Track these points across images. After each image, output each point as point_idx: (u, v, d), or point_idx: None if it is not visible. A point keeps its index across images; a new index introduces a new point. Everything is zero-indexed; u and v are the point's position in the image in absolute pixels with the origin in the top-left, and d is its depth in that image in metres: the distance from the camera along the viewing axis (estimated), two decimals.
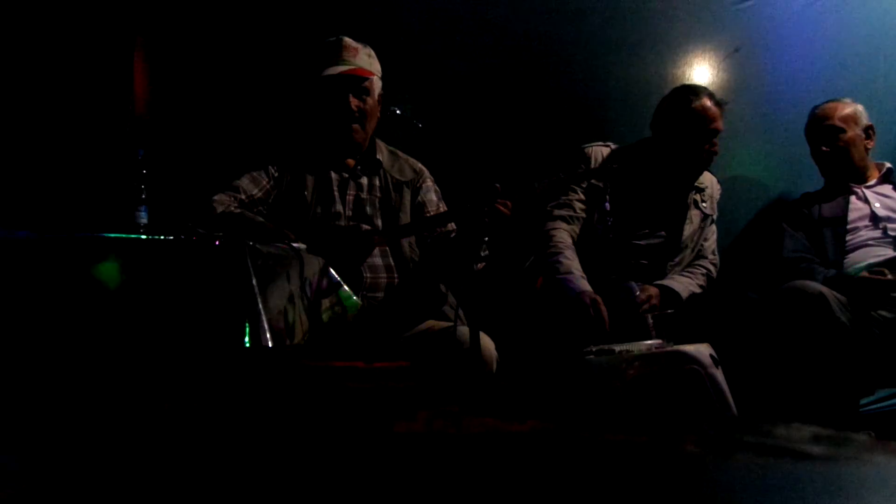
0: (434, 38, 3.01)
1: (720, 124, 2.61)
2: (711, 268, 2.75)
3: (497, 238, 2.37)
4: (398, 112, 2.29)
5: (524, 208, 2.28)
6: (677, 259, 2.69)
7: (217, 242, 1.74)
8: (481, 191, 2.13)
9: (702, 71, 3.24)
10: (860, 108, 2.78)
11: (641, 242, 2.67)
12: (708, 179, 2.79)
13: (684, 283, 2.64)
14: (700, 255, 2.76)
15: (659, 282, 2.60)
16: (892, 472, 0.59)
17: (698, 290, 2.65)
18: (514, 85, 3.05)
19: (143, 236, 1.93)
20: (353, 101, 2.31)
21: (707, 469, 0.60)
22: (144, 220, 2.02)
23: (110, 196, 2.24)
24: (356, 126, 2.33)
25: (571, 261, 2.54)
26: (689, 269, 2.72)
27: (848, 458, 0.61)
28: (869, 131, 2.76)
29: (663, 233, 2.70)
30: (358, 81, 2.32)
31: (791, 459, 0.60)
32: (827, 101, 2.82)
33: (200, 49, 2.80)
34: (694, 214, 2.73)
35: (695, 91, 2.66)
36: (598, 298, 2.42)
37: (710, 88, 3.04)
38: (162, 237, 1.82)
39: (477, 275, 2.29)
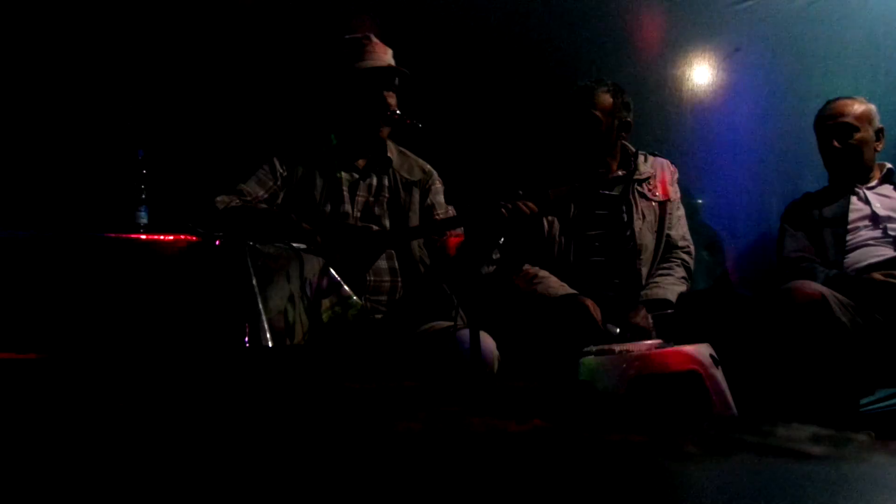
0: (433, 42, 3.01)
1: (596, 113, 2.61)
2: (685, 256, 2.68)
3: (512, 240, 2.35)
4: (398, 113, 2.29)
5: (538, 215, 2.26)
6: (643, 257, 2.61)
7: (217, 242, 1.74)
8: (500, 190, 2.13)
9: (702, 71, 3.24)
10: (874, 108, 2.74)
11: (596, 244, 2.60)
12: (651, 166, 2.71)
13: (667, 286, 2.56)
14: (670, 245, 2.67)
15: (644, 296, 2.54)
16: (893, 472, 0.59)
17: (684, 287, 2.60)
18: (513, 85, 3.05)
19: (143, 236, 1.93)
20: (388, 97, 2.30)
21: (707, 469, 0.60)
22: (144, 220, 2.02)
23: (110, 196, 2.24)
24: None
25: (548, 277, 2.54)
26: (665, 266, 2.63)
27: (848, 458, 0.61)
28: (879, 134, 2.74)
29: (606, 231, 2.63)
30: (393, 78, 2.32)
31: (791, 459, 0.60)
32: (840, 98, 2.76)
33: (201, 48, 2.80)
34: (644, 207, 2.65)
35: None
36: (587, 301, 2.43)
37: (711, 88, 3.05)
38: (162, 237, 1.82)
39: (485, 279, 2.29)
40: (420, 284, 2.32)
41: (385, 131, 2.34)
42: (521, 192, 2.15)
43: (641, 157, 2.72)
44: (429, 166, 2.49)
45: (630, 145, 2.75)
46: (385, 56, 2.33)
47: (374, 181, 2.37)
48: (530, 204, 2.13)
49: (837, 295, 2.33)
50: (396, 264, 2.30)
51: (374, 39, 2.35)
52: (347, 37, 2.37)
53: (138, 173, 2.06)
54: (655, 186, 2.69)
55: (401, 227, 2.35)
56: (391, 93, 2.32)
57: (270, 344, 1.67)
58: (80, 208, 2.52)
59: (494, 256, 2.28)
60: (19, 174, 2.58)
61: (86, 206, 2.50)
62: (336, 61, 2.35)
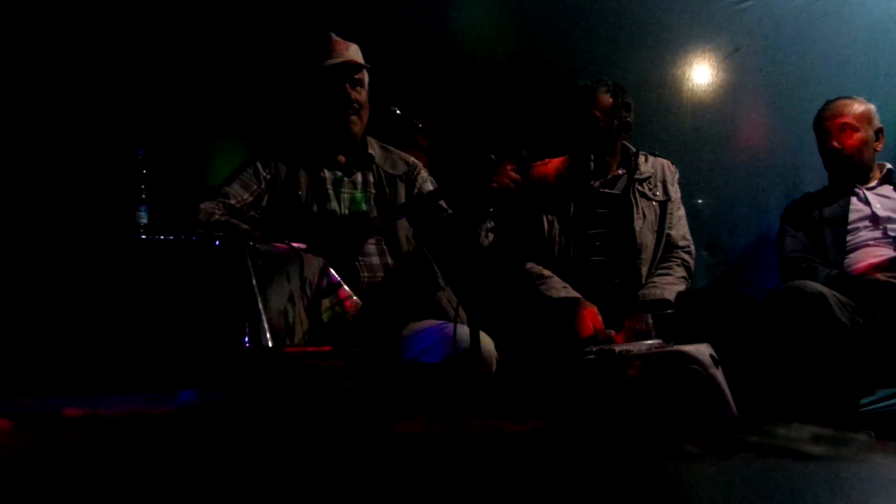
0: (432, 37, 3.01)
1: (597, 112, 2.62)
2: (686, 256, 2.67)
3: (502, 208, 2.36)
4: (398, 112, 2.29)
5: (519, 179, 2.27)
6: (644, 256, 2.60)
7: (217, 242, 1.74)
8: (478, 163, 2.14)
9: (702, 71, 3.24)
10: (873, 108, 2.74)
11: (596, 243, 2.61)
12: (652, 166, 2.72)
13: (665, 286, 2.55)
14: (671, 244, 2.66)
15: (642, 296, 2.53)
16: (893, 472, 0.59)
17: (683, 286, 2.59)
18: (514, 85, 3.05)
19: (143, 236, 1.93)
20: (351, 92, 2.34)
21: (707, 469, 0.59)
22: (144, 220, 2.02)
23: (110, 196, 2.24)
24: (354, 118, 2.35)
25: (551, 277, 2.55)
26: (665, 266, 2.62)
27: (848, 458, 0.61)
28: (879, 134, 2.75)
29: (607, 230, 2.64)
30: (353, 72, 2.35)
31: (791, 459, 0.60)
32: (840, 98, 2.77)
33: (200, 49, 2.80)
34: (645, 206, 2.65)
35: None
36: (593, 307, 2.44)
37: (711, 88, 3.04)
38: (162, 237, 1.82)
39: (486, 251, 2.29)
40: (407, 265, 2.32)
41: (356, 127, 2.36)
42: (493, 157, 2.15)
43: (642, 157, 2.72)
44: (412, 158, 2.51)
45: (630, 145, 2.75)
46: (346, 52, 2.37)
47: (359, 177, 2.40)
48: (508, 167, 2.14)
49: (837, 295, 2.33)
50: (389, 259, 2.31)
51: (335, 38, 2.39)
52: (311, 38, 2.42)
53: (138, 173, 2.06)
54: (656, 186, 2.70)
55: (386, 214, 2.37)
56: (355, 88, 2.35)
57: (270, 344, 1.67)
58: (80, 208, 2.52)
59: (489, 225, 2.28)
60: (20, 174, 2.58)
61: (86, 206, 2.50)
62: (303, 62, 2.40)
